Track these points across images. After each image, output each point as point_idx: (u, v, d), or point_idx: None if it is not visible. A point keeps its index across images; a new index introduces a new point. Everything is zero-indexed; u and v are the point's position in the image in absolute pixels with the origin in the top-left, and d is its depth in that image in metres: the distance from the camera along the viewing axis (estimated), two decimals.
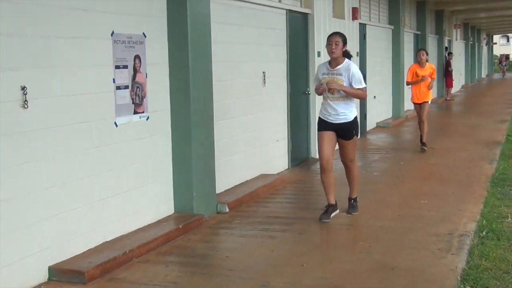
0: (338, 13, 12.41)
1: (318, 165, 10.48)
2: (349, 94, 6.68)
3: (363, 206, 7.29)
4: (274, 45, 9.64)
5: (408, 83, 12.12)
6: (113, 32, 5.98)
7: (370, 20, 15.45)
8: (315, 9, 10.98)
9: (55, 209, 5.27)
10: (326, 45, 6.72)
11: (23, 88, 4.91)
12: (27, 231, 4.99)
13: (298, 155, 10.57)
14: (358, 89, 6.71)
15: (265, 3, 9.24)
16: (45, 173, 5.17)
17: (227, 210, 7.30)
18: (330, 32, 11.85)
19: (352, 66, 6.72)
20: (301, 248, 5.92)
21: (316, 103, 11.07)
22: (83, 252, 5.52)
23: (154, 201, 6.63)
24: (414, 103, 11.98)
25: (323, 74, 6.83)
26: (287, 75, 10.08)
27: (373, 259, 5.53)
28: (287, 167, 10.08)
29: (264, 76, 9.25)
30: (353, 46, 13.41)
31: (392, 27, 17.38)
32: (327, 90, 6.68)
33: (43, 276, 5.12)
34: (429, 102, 11.89)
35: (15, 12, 4.87)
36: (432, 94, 12.25)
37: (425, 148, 11.63)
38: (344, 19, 12.72)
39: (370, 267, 5.32)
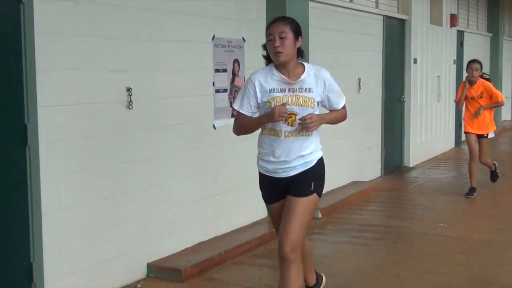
0: (435, 20, 12.16)
1: (412, 174, 10.39)
2: (335, 123, 4.20)
3: (461, 218, 7.09)
4: (370, 51, 9.55)
5: (456, 103, 8.88)
6: (214, 36, 6.08)
7: (468, 27, 15.05)
8: (412, 15, 10.79)
9: (154, 207, 5.40)
10: (266, 41, 3.98)
11: (128, 89, 5.06)
12: (127, 228, 5.13)
13: (391, 162, 10.42)
14: (338, 110, 4.17)
15: (362, 8, 9.17)
16: (145, 172, 5.30)
17: (320, 216, 7.27)
18: (427, 39, 11.80)
19: (323, 73, 4.06)
20: (396, 258, 5.82)
21: (411, 110, 10.92)
22: (180, 251, 5.62)
23: (247, 203, 6.68)
24: (466, 133, 8.64)
25: (270, 91, 3.95)
26: (382, 82, 9.95)
27: (472, 272, 5.37)
28: (379, 175, 9.95)
29: (359, 82, 9.16)
30: (450, 53, 13.12)
31: (491, 34, 16.86)
32: (286, 121, 3.93)
33: (141, 273, 5.26)
34: (489, 135, 8.61)
35: (123, 17, 5.03)
36: (494, 124, 8.80)
37: (473, 194, 8.46)
38: (442, 25, 12.45)
39: (468, 281, 5.17)
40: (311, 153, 4.02)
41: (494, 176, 9.09)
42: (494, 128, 8.75)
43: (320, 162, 4.09)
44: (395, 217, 7.50)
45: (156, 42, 5.36)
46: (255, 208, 6.78)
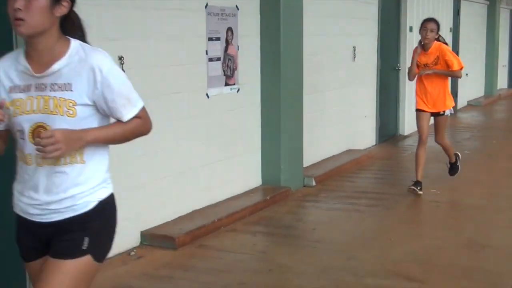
0: None
1: (406, 142, 10.42)
2: (120, 140, 2.65)
3: (454, 184, 7.16)
4: (365, 19, 9.52)
5: (410, 74, 7.05)
6: (207, 4, 6.06)
7: None
8: None
9: (148, 176, 5.42)
10: None
11: (120, 58, 5.05)
12: (121, 196, 5.08)
13: (386, 131, 10.44)
14: (128, 122, 2.57)
15: None
16: (138, 141, 5.27)
17: (314, 183, 7.32)
18: (423, 7, 11.74)
19: (97, 58, 2.48)
20: (388, 223, 5.89)
21: (407, 78, 10.90)
22: (174, 219, 5.66)
23: (242, 172, 6.72)
24: (418, 110, 6.96)
25: (10, 90, 2.47)
26: (377, 50, 9.93)
27: (463, 236, 5.44)
28: (374, 143, 9.98)
29: (354, 50, 9.15)
30: (446, 21, 13.07)
31: (488, 2, 16.78)
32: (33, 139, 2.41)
33: (135, 241, 5.30)
34: (448, 113, 6.96)
35: None
36: (452, 99, 7.07)
37: (417, 189, 6.69)
38: None
39: (460, 245, 5.24)
40: (83, 192, 2.48)
41: (454, 169, 7.32)
42: (453, 104, 7.05)
43: (106, 205, 2.56)
44: (388, 184, 7.55)
45: (148, 10, 5.34)
46: (249, 176, 6.83)
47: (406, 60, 10.80)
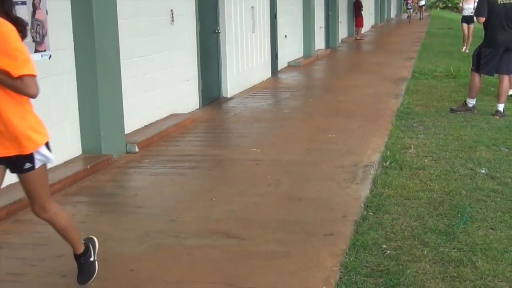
0: None
1: (229, 104, 10.59)
2: None
3: (273, 142, 7.37)
4: None
5: None
6: None
7: None
8: None
9: None
10: None
11: None
12: None
13: (209, 94, 10.54)
14: None
15: None
16: None
17: (137, 150, 7.23)
18: None
19: None
20: (210, 184, 5.96)
21: (227, 41, 11.05)
22: None
23: (59, 142, 6.46)
24: None
25: None
26: (196, 13, 9.93)
27: (280, 191, 5.64)
28: (198, 107, 10.05)
29: (172, 14, 9.08)
30: None
31: None
32: None
33: None
34: (44, 159, 3.59)
35: None
36: (41, 131, 3.47)
37: None
38: None
39: (277, 199, 5.43)
40: None
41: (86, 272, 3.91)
42: (39, 143, 3.50)
43: None
44: (211, 146, 7.66)
45: None
46: (67, 146, 6.61)
47: (226, 23, 10.95)
